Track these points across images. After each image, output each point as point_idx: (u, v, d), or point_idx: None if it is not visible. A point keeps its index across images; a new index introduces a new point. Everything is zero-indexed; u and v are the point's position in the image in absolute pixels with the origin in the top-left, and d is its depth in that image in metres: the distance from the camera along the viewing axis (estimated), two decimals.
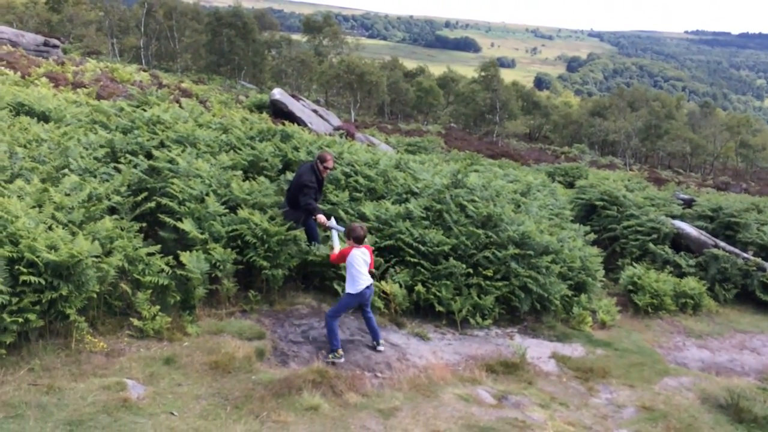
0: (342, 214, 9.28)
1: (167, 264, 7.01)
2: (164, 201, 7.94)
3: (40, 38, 30.29)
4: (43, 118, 11.38)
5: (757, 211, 15.72)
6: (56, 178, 7.91)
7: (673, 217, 15.06)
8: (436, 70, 79.54)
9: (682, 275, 12.45)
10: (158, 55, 59.65)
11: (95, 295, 6.29)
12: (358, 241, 6.99)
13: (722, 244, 13.40)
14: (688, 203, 17.05)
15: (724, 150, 64.39)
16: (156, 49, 59.03)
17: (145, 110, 11.74)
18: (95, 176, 8.31)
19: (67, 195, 7.22)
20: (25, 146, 8.94)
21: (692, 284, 11.78)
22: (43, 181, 7.63)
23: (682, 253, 13.26)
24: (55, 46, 29.95)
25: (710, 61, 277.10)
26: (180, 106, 14.18)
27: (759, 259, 12.88)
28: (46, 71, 21.30)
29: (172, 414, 5.30)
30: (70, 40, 49.37)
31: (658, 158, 65.37)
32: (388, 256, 8.83)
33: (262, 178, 9.43)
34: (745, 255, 13.02)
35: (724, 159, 66.28)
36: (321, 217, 8.01)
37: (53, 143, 9.16)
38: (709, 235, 13.98)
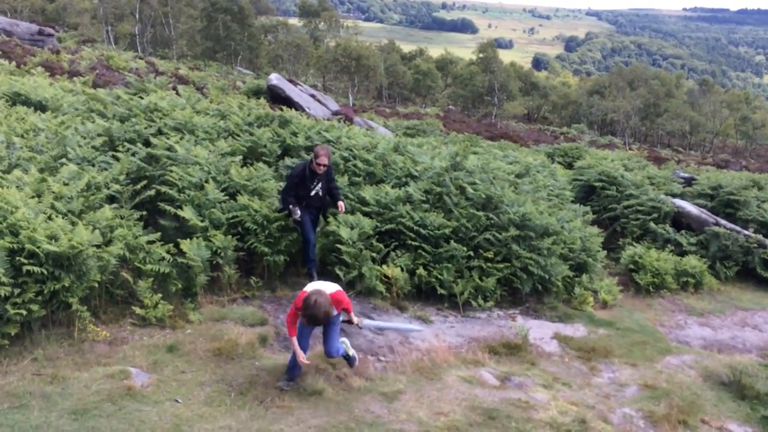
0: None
1: (168, 252, 7.01)
2: (164, 189, 7.91)
3: (35, 27, 30.06)
4: (40, 107, 11.32)
5: (757, 188, 15.67)
6: (54, 167, 7.88)
7: (674, 195, 15.03)
8: (434, 52, 79.13)
9: (682, 254, 12.44)
10: (154, 42, 59.24)
11: (97, 285, 6.29)
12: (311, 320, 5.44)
13: (723, 221, 13.38)
14: (688, 182, 17.01)
15: (724, 127, 64.24)
16: (151, 36, 58.58)
17: (142, 98, 11.67)
18: (93, 165, 8.28)
19: (66, 184, 7.19)
20: (22, 136, 8.89)
21: (693, 262, 11.78)
22: (41, 170, 7.60)
23: (682, 231, 13.24)
24: (49, 35, 29.72)
25: (709, 38, 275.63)
26: (177, 93, 14.10)
27: (760, 236, 12.86)
28: (41, 60, 21.17)
29: (177, 401, 5.32)
30: (65, 28, 49.01)
31: (657, 137, 65.21)
32: (388, 240, 8.82)
33: (261, 164, 9.40)
34: (746, 232, 13.01)
35: (724, 137, 66.13)
36: (296, 210, 7.81)
37: (50, 132, 9.11)
38: (710, 213, 13.96)
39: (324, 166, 7.87)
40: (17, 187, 6.82)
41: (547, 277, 9.15)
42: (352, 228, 8.45)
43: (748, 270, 12.59)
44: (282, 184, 8.78)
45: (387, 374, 6.46)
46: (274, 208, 8.21)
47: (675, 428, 6.15)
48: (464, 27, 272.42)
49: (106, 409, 5.03)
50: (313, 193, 8.03)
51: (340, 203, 8.32)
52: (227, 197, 8.12)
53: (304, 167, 7.93)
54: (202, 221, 7.58)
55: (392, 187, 9.69)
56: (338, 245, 8.24)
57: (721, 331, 9.87)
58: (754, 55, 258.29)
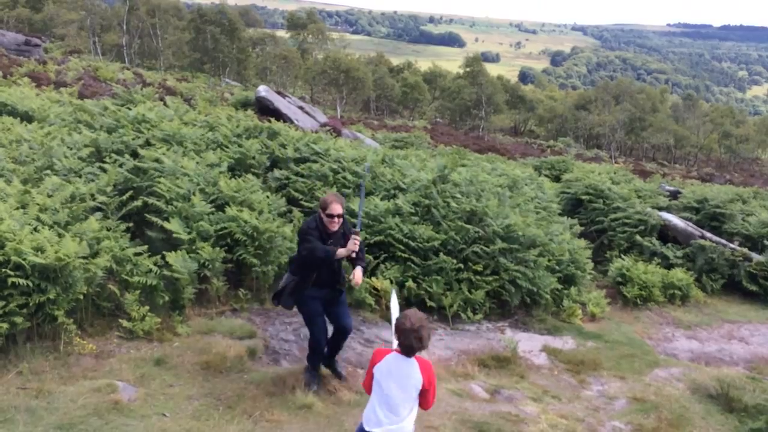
0: None
1: (155, 264, 6.94)
2: (151, 200, 7.86)
3: (21, 37, 29.96)
4: (26, 118, 11.24)
5: (741, 201, 15.86)
6: (37, 178, 7.81)
7: (660, 208, 15.14)
8: (422, 65, 79.53)
9: (669, 266, 12.52)
10: (141, 53, 59.13)
11: (83, 297, 6.21)
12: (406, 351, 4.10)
13: (709, 234, 13.49)
14: (674, 195, 17.16)
15: (708, 141, 64.96)
16: (139, 47, 58.49)
17: (129, 109, 11.61)
18: (80, 176, 8.21)
19: (50, 196, 7.12)
20: (6, 147, 8.81)
21: (680, 275, 11.85)
22: (24, 182, 7.52)
23: (669, 244, 13.34)
24: (36, 45, 29.62)
25: (692, 53, 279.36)
26: (165, 105, 14.05)
27: (745, 250, 12.98)
28: (27, 71, 21.08)
29: (164, 415, 5.25)
30: (52, 39, 48.81)
31: (642, 150, 65.82)
32: (377, 252, 8.80)
33: (249, 176, 9.37)
34: (732, 245, 13.12)
35: (708, 151, 66.81)
36: (341, 251, 5.64)
37: (36, 143, 9.04)
38: (696, 226, 14.07)
39: (338, 217, 5.69)
40: (0, 198, 6.75)
41: (534, 289, 9.16)
42: None
43: (734, 283, 12.67)
44: (269, 195, 8.74)
45: None
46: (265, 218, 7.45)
47: None
48: (451, 40, 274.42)
49: (92, 423, 4.95)
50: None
51: (358, 271, 5.80)
52: (215, 209, 8.07)
53: (316, 223, 5.75)
54: (189, 233, 7.52)
55: (381, 199, 9.68)
56: None
57: (708, 344, 9.92)
58: (737, 71, 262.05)
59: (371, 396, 4.17)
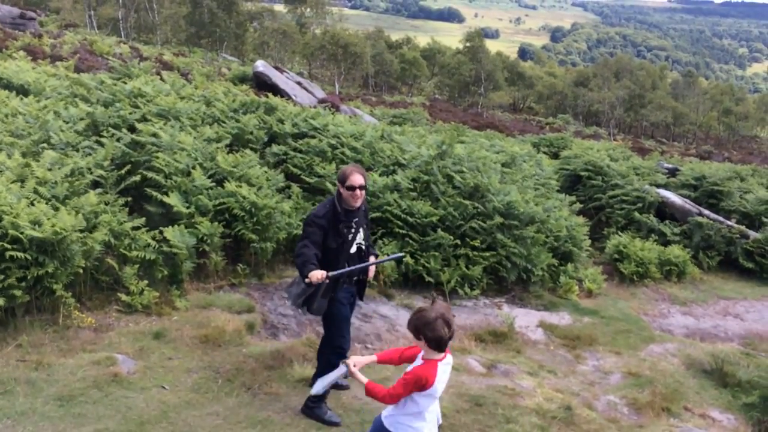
0: (330, 186, 9.23)
1: (153, 238, 6.95)
2: (150, 175, 7.83)
3: (16, 11, 29.56)
4: (22, 91, 11.15)
5: (739, 179, 15.88)
6: (36, 152, 7.77)
7: (658, 186, 15.16)
8: (421, 40, 78.80)
9: (666, 243, 12.57)
10: (137, 28, 58.42)
11: (81, 271, 6.22)
12: (437, 344, 3.48)
13: (706, 212, 13.52)
14: (672, 172, 17.15)
15: (707, 119, 64.77)
16: (135, 21, 57.80)
17: (126, 83, 11.52)
18: (77, 150, 8.16)
19: (49, 169, 7.10)
20: (2, 120, 8.76)
21: (677, 252, 11.90)
22: (23, 155, 7.49)
23: (666, 221, 13.38)
24: (31, 19, 29.25)
25: (693, 30, 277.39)
26: (161, 79, 13.94)
27: (742, 227, 13.02)
28: (23, 44, 20.85)
29: (164, 388, 5.30)
30: (47, 12, 48.26)
31: (641, 128, 65.58)
32: (376, 228, 8.81)
33: (247, 151, 9.33)
34: (729, 223, 13.16)
35: (707, 128, 66.65)
36: (314, 274, 4.60)
37: (32, 117, 8.98)
38: (693, 203, 14.10)
39: (361, 189, 4.91)
40: None
41: (531, 266, 9.20)
42: None
43: (730, 260, 12.75)
44: (267, 170, 8.70)
45: None
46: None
47: (658, 415, 6.23)
48: (451, 16, 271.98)
49: (92, 395, 4.99)
50: (353, 247, 5.04)
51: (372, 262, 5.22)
52: (214, 184, 8.05)
53: (332, 202, 5.00)
54: (187, 208, 7.51)
55: (380, 175, 9.67)
56: None
57: (704, 320, 10.00)
58: (738, 48, 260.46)
59: (416, 409, 3.56)
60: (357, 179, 4.88)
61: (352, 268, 4.91)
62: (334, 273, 4.70)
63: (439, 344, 3.45)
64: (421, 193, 9.52)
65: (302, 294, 4.92)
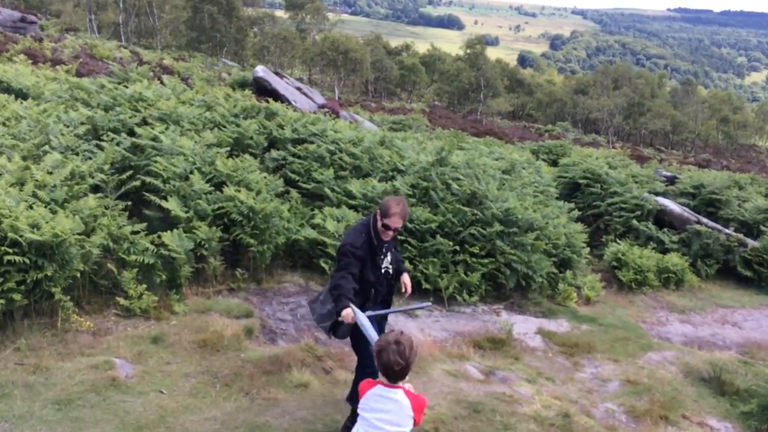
0: (328, 192, 9.24)
1: (152, 243, 6.94)
2: (149, 179, 7.84)
3: (17, 14, 29.62)
4: (22, 95, 11.16)
5: (738, 187, 15.90)
6: (37, 155, 7.78)
7: (656, 194, 15.18)
8: (420, 47, 79.01)
9: (665, 251, 12.57)
10: (138, 32, 58.54)
11: (80, 274, 6.22)
12: (383, 372, 3.40)
13: (704, 220, 13.54)
14: (671, 180, 17.19)
15: (706, 128, 65.01)
16: (135, 25, 57.91)
17: (126, 87, 11.54)
18: (77, 154, 8.17)
19: (50, 173, 7.10)
20: (3, 123, 8.76)
21: (675, 260, 11.91)
22: (24, 158, 7.49)
23: (665, 229, 13.38)
24: (32, 23, 29.34)
25: (692, 38, 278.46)
26: (162, 84, 13.96)
27: (740, 235, 13.03)
28: (23, 48, 20.90)
29: (162, 392, 5.29)
30: (48, 16, 48.32)
31: (640, 136, 65.77)
32: None
33: (247, 156, 9.35)
34: (727, 231, 13.17)
35: (706, 136, 66.87)
36: (346, 312, 4.41)
37: (32, 120, 8.98)
38: (692, 211, 14.12)
39: (395, 231, 4.82)
40: None
41: (530, 273, 9.21)
42: (338, 221, 8.45)
43: (728, 268, 12.75)
44: (266, 176, 8.71)
45: None
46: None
47: (656, 423, 6.22)
48: (451, 23, 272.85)
49: (90, 399, 4.98)
50: (383, 270, 5.00)
51: (406, 278, 5.18)
52: (213, 188, 8.06)
53: (367, 230, 4.86)
54: (186, 212, 7.52)
55: (379, 181, 9.68)
56: (324, 238, 8.22)
57: (702, 328, 9.99)
58: (736, 57, 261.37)
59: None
60: (395, 222, 4.72)
61: (382, 312, 4.90)
62: (364, 315, 4.44)
63: (385, 372, 3.37)
64: (420, 199, 9.53)
65: (328, 318, 4.90)
